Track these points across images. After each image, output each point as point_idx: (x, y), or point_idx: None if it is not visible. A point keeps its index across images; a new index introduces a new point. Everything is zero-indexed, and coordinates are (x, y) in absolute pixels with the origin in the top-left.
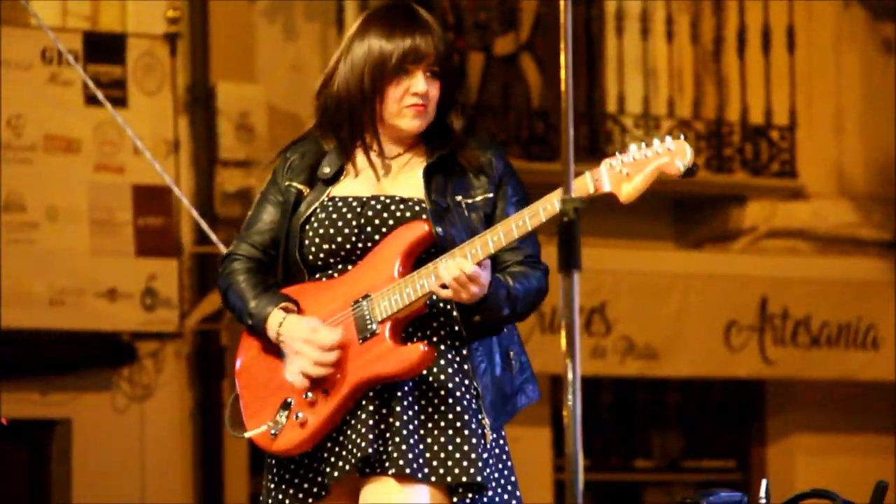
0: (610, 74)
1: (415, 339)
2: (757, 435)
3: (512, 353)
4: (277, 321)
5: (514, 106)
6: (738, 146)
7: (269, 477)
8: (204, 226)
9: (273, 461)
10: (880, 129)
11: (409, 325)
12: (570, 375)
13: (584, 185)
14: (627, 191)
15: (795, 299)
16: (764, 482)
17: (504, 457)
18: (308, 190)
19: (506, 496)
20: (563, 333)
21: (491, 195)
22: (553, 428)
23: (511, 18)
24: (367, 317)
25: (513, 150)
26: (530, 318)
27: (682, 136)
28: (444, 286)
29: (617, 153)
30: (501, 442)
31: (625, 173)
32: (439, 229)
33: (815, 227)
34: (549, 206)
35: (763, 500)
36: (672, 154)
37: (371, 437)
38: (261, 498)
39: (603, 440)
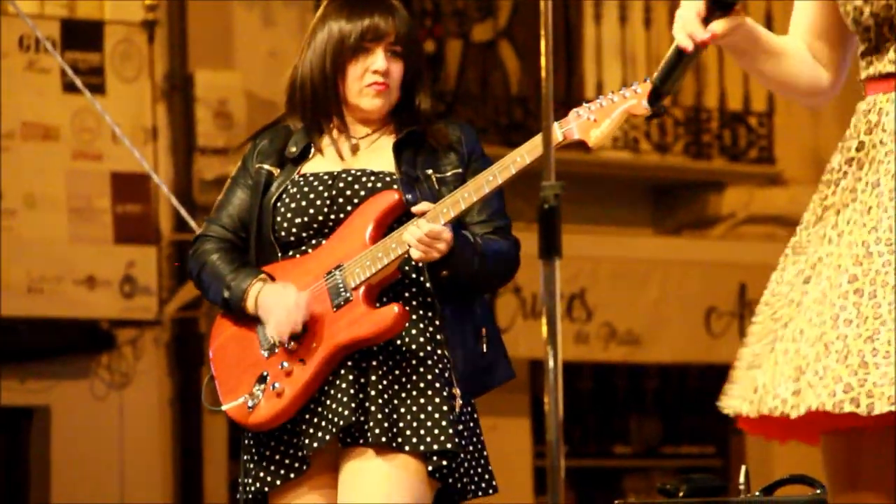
0: (588, 61)
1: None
2: (735, 421)
3: (485, 329)
4: (256, 291)
5: (492, 93)
6: (716, 132)
7: (247, 457)
8: (183, 213)
9: (251, 441)
10: None
11: (383, 296)
12: (551, 363)
13: (553, 134)
14: (596, 135)
15: None
16: (743, 468)
17: (478, 431)
18: (279, 171)
19: (479, 469)
20: (544, 321)
21: (461, 170)
22: (532, 415)
23: (489, 5)
24: (341, 285)
25: (492, 137)
26: (512, 304)
27: (647, 80)
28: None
29: (584, 102)
30: (476, 416)
31: (592, 119)
32: (409, 196)
33: (792, 213)
34: (518, 158)
35: (742, 487)
36: (639, 96)
37: (353, 405)
38: (239, 479)
39: (582, 427)
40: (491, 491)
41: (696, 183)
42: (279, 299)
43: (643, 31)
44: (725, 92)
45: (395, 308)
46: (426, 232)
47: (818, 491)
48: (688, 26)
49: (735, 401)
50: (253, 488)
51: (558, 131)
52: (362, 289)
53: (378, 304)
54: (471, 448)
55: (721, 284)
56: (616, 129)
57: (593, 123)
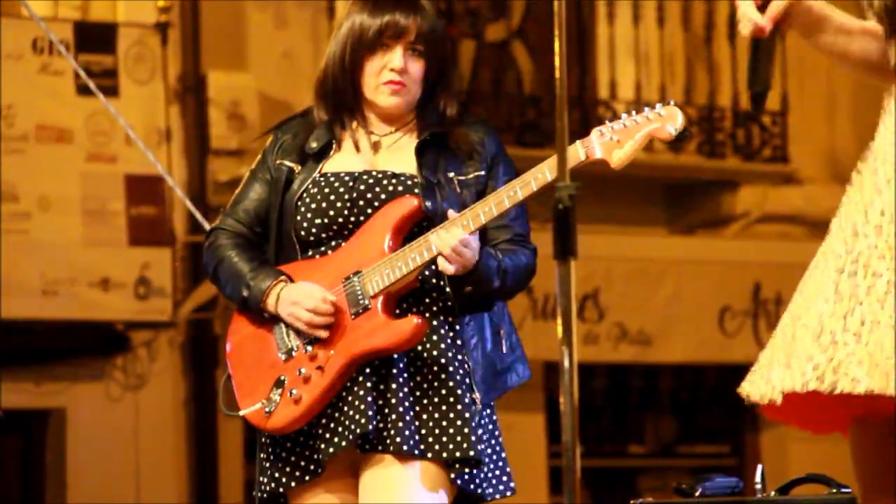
0: (601, 60)
1: (408, 314)
2: (750, 420)
3: (503, 330)
4: (277, 292)
5: (505, 93)
6: (730, 131)
7: (264, 456)
8: (197, 215)
9: (268, 440)
10: (871, 114)
11: (402, 302)
12: (566, 363)
13: (574, 153)
14: (619, 157)
15: (788, 284)
16: (759, 467)
17: (497, 433)
18: (300, 167)
19: (497, 472)
20: (559, 321)
21: (483, 173)
22: (547, 415)
23: (502, 5)
24: (359, 292)
25: (505, 137)
26: (523, 304)
27: (672, 102)
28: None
29: (607, 121)
30: (495, 418)
31: (615, 140)
32: (429, 203)
33: (807, 212)
34: (539, 175)
35: (759, 486)
36: (663, 119)
37: (371, 413)
38: (256, 477)
39: (596, 426)
40: (509, 493)
41: (709, 182)
42: (307, 291)
43: (656, 30)
44: (739, 91)
45: (413, 320)
46: (453, 246)
47: (834, 490)
48: (748, 15)
49: (745, 384)
50: (268, 488)
51: (580, 150)
52: (381, 298)
53: (398, 311)
54: (489, 451)
55: (735, 284)
56: (639, 151)
57: (616, 144)
